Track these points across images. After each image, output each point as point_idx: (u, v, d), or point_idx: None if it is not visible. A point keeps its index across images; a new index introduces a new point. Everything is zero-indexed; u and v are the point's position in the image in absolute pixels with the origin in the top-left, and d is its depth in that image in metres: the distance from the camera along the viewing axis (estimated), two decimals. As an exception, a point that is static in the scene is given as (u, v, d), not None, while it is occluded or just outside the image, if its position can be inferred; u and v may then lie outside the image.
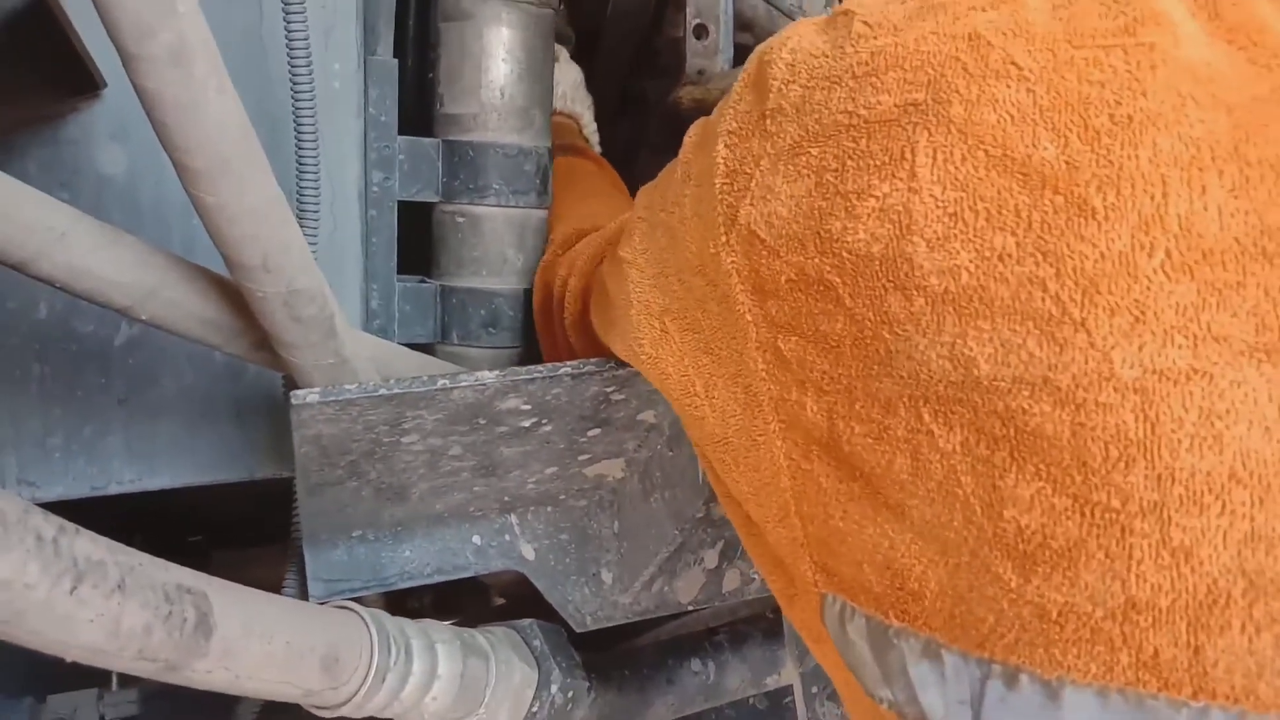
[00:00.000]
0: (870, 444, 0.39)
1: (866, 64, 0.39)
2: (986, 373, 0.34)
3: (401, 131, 0.88)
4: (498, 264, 0.90)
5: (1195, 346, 0.31)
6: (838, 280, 0.38)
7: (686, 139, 0.53)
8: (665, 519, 0.69)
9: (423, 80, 0.95)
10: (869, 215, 0.37)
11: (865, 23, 0.41)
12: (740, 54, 1.27)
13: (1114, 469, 0.32)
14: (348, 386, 0.56)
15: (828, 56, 0.41)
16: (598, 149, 1.16)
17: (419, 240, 0.93)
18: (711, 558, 0.77)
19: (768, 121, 0.42)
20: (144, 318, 0.66)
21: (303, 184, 0.74)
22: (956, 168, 0.35)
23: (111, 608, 0.45)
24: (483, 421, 0.61)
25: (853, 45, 0.40)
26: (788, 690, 0.97)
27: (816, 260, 0.39)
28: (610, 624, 0.76)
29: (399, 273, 0.90)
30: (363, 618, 0.58)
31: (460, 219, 0.90)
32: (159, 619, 0.46)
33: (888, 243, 0.36)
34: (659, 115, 1.20)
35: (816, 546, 0.44)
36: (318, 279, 0.66)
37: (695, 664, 0.85)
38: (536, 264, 0.92)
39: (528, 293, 0.91)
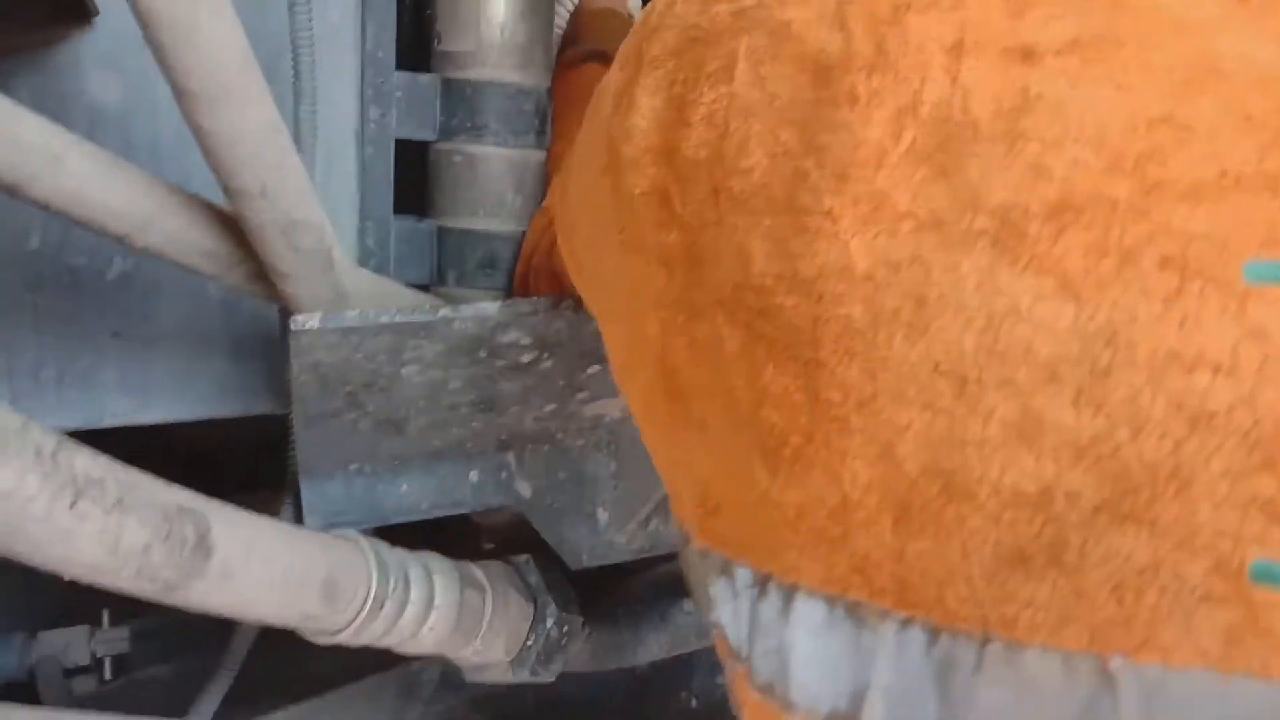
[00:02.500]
0: (686, 357, 0.39)
1: None
2: (759, 269, 0.34)
3: (399, 68, 0.87)
4: (495, 205, 0.89)
5: (919, 233, 0.31)
6: (674, 189, 0.39)
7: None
8: (662, 458, 0.69)
9: (421, 16, 0.93)
10: (699, 122, 0.38)
11: None
12: None
13: (839, 361, 0.32)
14: (348, 313, 0.55)
15: None
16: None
17: (416, 180, 0.93)
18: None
19: (646, 42, 0.43)
20: (140, 246, 0.65)
21: (299, 118, 0.74)
22: (766, 69, 0.36)
23: (111, 524, 0.45)
24: (483, 354, 0.61)
25: None
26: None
27: (661, 171, 0.40)
28: (606, 562, 0.76)
29: (395, 212, 0.89)
30: (362, 546, 0.58)
31: (457, 158, 0.89)
32: (158, 538, 0.46)
33: (710, 148, 0.37)
34: None
35: (665, 475, 0.45)
36: (316, 210, 0.65)
37: (688, 603, 0.86)
38: (534, 206, 0.91)
39: (525, 234, 0.91)
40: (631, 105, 0.42)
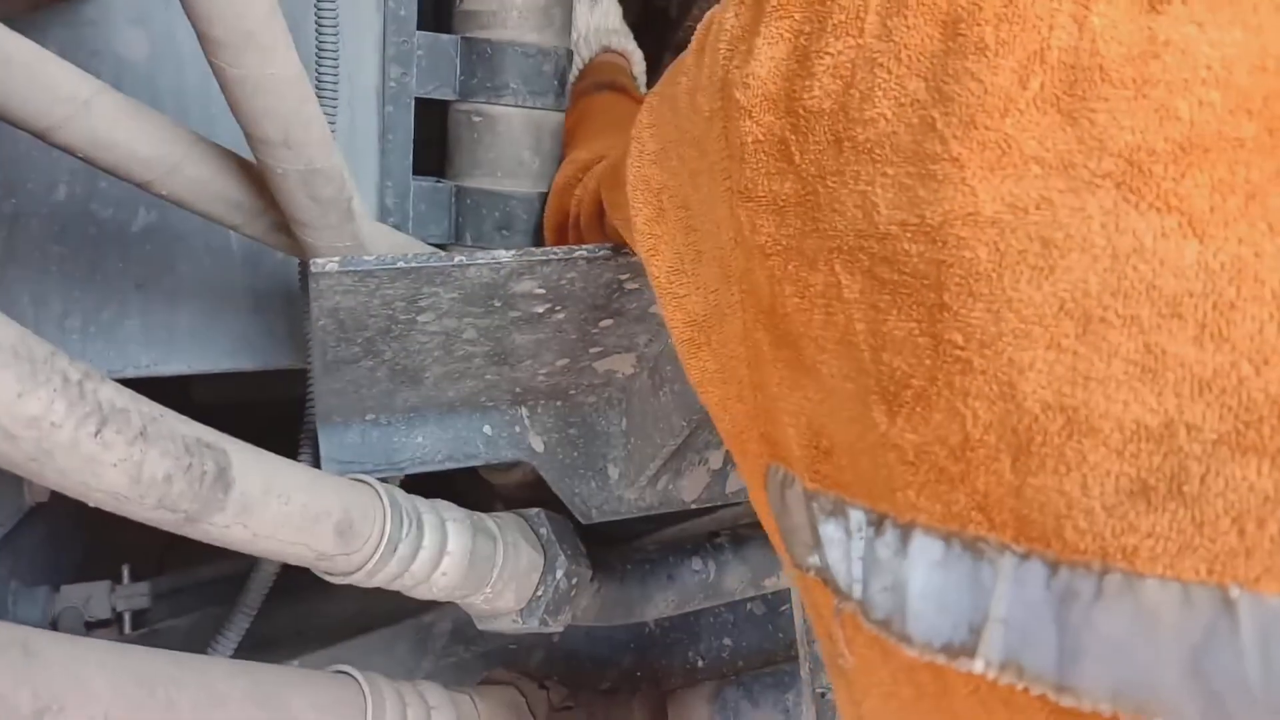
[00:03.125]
0: (797, 304, 0.40)
1: None
2: (883, 217, 0.35)
3: (420, 27, 0.88)
4: (513, 166, 0.90)
5: (1047, 177, 0.31)
6: (792, 138, 0.40)
7: (705, 18, 0.53)
8: (673, 411, 0.70)
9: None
10: (824, 73, 0.38)
11: None
12: None
13: (963, 304, 0.32)
14: (367, 257, 0.56)
15: None
16: (643, 90, 1.15)
17: (435, 141, 0.94)
18: (716, 458, 0.78)
19: None
20: (164, 193, 0.66)
21: (321, 73, 0.74)
22: (895, 21, 0.36)
23: (134, 454, 0.46)
24: (497, 304, 0.62)
25: None
26: (785, 597, 0.99)
27: (780, 120, 0.40)
28: (615, 518, 0.77)
29: (414, 173, 0.90)
30: (376, 489, 0.59)
31: (477, 118, 0.89)
32: (180, 469, 0.48)
33: (835, 99, 0.38)
34: (684, 30, 1.19)
35: (761, 417, 0.46)
36: (337, 160, 0.66)
37: (696, 562, 0.87)
38: (553, 168, 0.92)
39: (543, 196, 0.91)
40: (750, 53, 0.42)
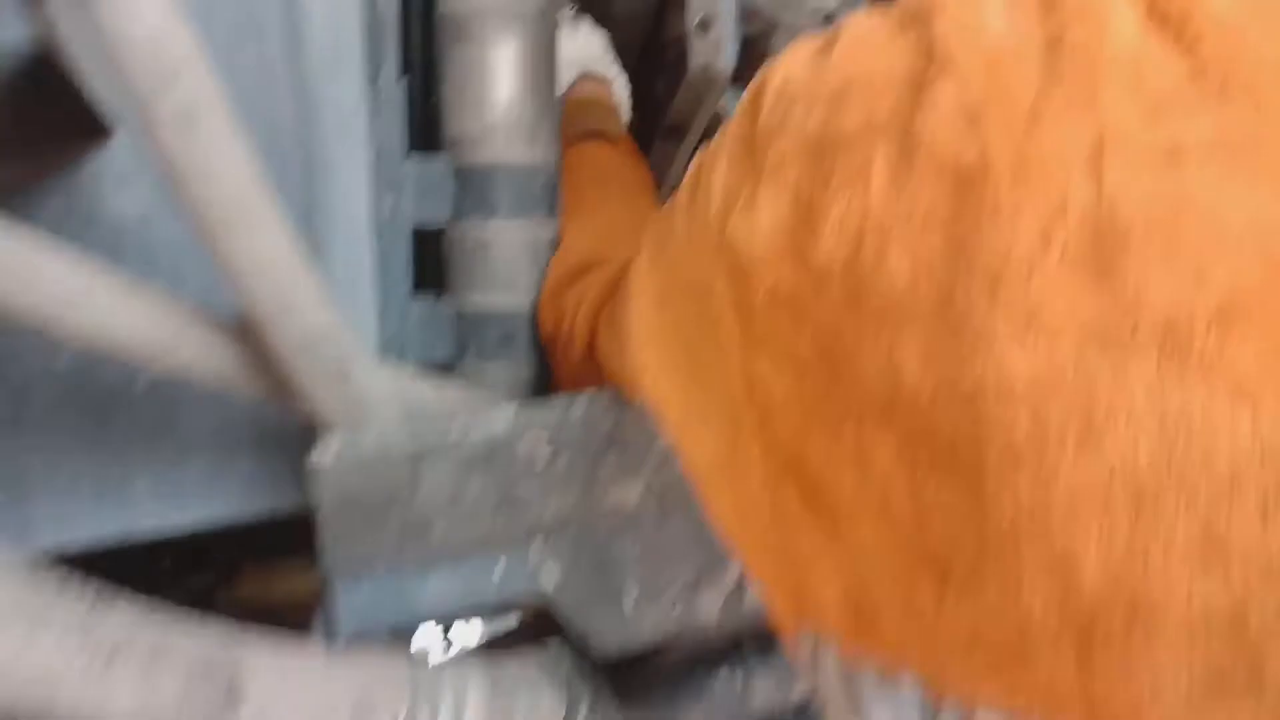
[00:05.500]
0: (825, 463, 0.38)
1: (840, 91, 0.39)
2: (912, 382, 0.34)
3: (410, 151, 0.88)
4: (511, 281, 0.91)
5: (1082, 343, 0.30)
6: (806, 295, 0.38)
7: (694, 161, 0.53)
8: (686, 539, 0.70)
9: (430, 98, 0.94)
10: (831, 230, 0.37)
11: (847, 48, 0.41)
12: (745, 46, 1.26)
13: (1006, 476, 0.31)
14: (362, 442, 0.57)
15: (810, 80, 0.42)
16: (627, 114, 1.14)
17: (435, 258, 0.94)
18: (733, 576, 0.78)
19: (758, 140, 0.43)
20: (161, 369, 0.67)
21: (312, 209, 0.75)
22: (901, 179, 0.35)
23: (143, 684, 0.46)
24: (499, 459, 0.62)
25: (832, 72, 0.41)
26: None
27: (789, 276, 0.39)
28: (635, 651, 0.76)
29: (415, 291, 0.90)
30: (397, 667, 0.59)
31: (471, 239, 0.90)
32: (189, 693, 0.47)
33: (844, 258, 0.36)
34: (670, 112, 1.19)
35: (789, 576, 0.44)
36: (332, 325, 0.66)
37: (724, 672, 0.86)
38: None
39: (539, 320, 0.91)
40: (752, 204, 0.41)
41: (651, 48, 1.25)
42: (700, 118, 1.23)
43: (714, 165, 0.46)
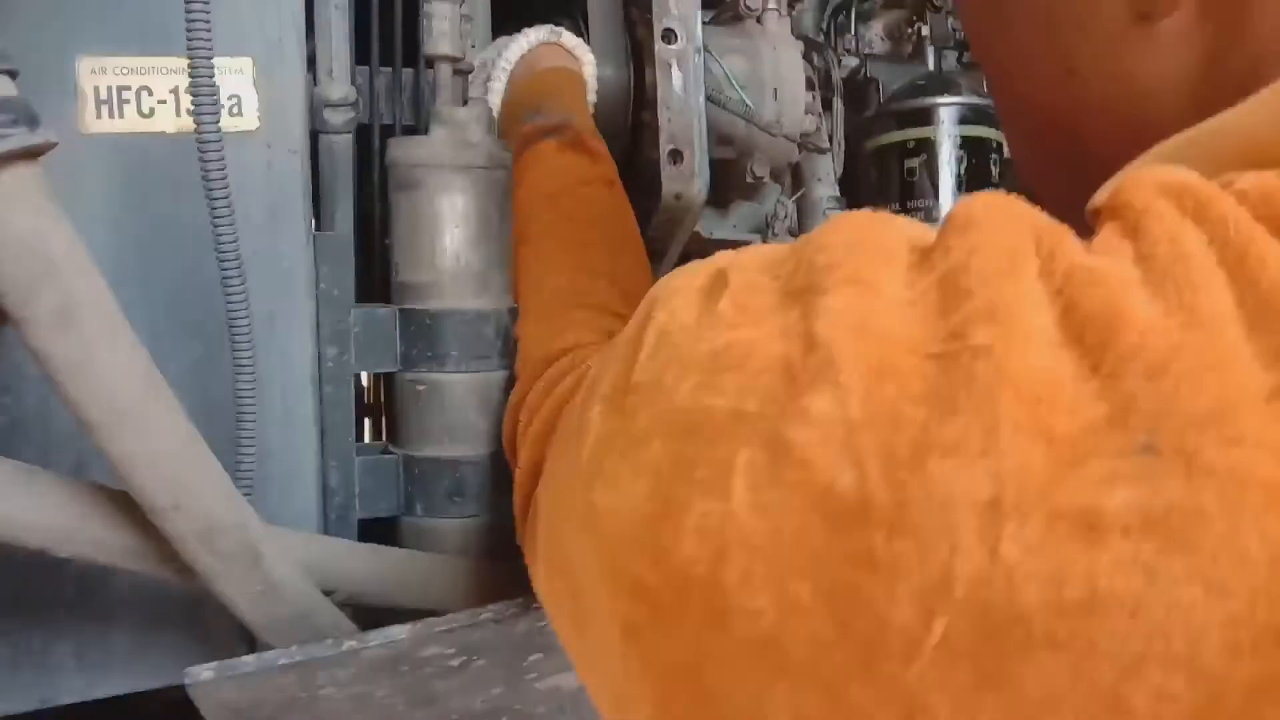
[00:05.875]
0: None
1: (714, 359, 0.34)
2: None
3: (357, 300, 0.87)
4: (461, 431, 0.88)
5: None
6: (668, 599, 0.33)
7: (585, 380, 0.49)
8: None
9: (378, 247, 0.93)
10: (691, 532, 0.32)
11: (732, 303, 0.37)
12: (722, 169, 1.24)
13: None
14: (244, 660, 0.54)
15: (689, 335, 0.36)
16: (594, 95, 1.05)
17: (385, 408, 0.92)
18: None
19: (629, 398, 0.38)
20: (63, 555, 0.64)
21: (240, 388, 0.73)
22: (767, 492, 0.30)
23: None
24: (406, 668, 0.59)
25: (711, 330, 0.35)
26: None
27: (650, 571, 0.34)
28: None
29: (361, 444, 0.88)
30: None
31: (420, 387, 0.87)
32: None
33: (707, 566, 0.31)
34: (648, 230, 1.17)
35: None
36: (237, 512, 0.64)
37: None
38: (500, 428, 0.89)
39: (493, 457, 0.88)
40: (616, 478, 0.36)
41: (627, 169, 1.24)
42: (678, 239, 1.22)
43: (589, 406, 0.42)
